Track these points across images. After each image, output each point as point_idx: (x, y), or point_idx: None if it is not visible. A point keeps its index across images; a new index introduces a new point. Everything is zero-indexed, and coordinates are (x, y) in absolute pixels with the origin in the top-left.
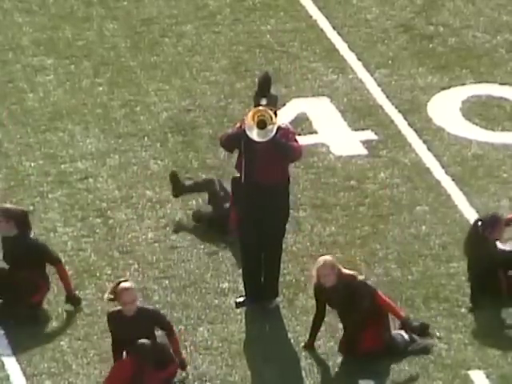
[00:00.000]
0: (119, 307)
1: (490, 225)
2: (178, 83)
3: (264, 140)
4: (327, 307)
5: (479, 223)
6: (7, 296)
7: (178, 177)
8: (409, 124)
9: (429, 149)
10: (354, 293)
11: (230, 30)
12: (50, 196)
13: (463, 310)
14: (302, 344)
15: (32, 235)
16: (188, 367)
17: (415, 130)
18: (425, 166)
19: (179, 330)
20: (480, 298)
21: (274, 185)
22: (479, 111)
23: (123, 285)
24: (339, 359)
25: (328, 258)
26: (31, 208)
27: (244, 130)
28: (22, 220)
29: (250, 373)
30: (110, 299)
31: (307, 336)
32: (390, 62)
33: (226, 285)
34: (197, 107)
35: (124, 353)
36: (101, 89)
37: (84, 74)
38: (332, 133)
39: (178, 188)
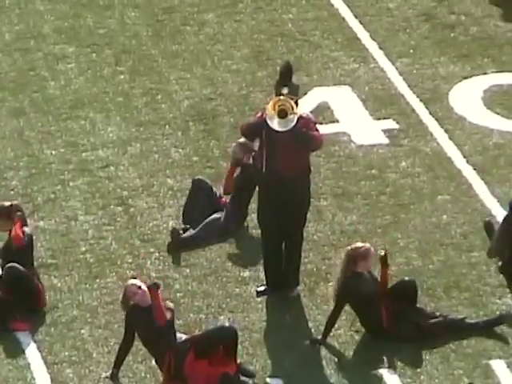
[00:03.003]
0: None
1: None
2: (199, 72)
3: (285, 129)
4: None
5: None
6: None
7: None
8: (430, 113)
9: (450, 138)
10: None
11: (252, 19)
12: (71, 184)
13: (484, 299)
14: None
15: None
16: None
17: (436, 119)
18: (446, 156)
19: (200, 318)
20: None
21: (295, 174)
22: (501, 100)
23: (126, 284)
24: (360, 348)
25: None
26: (52, 196)
27: (265, 120)
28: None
29: (270, 361)
30: (124, 303)
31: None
32: (411, 51)
33: (246, 273)
34: (218, 96)
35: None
36: (122, 77)
37: (105, 62)
38: (353, 122)
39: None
